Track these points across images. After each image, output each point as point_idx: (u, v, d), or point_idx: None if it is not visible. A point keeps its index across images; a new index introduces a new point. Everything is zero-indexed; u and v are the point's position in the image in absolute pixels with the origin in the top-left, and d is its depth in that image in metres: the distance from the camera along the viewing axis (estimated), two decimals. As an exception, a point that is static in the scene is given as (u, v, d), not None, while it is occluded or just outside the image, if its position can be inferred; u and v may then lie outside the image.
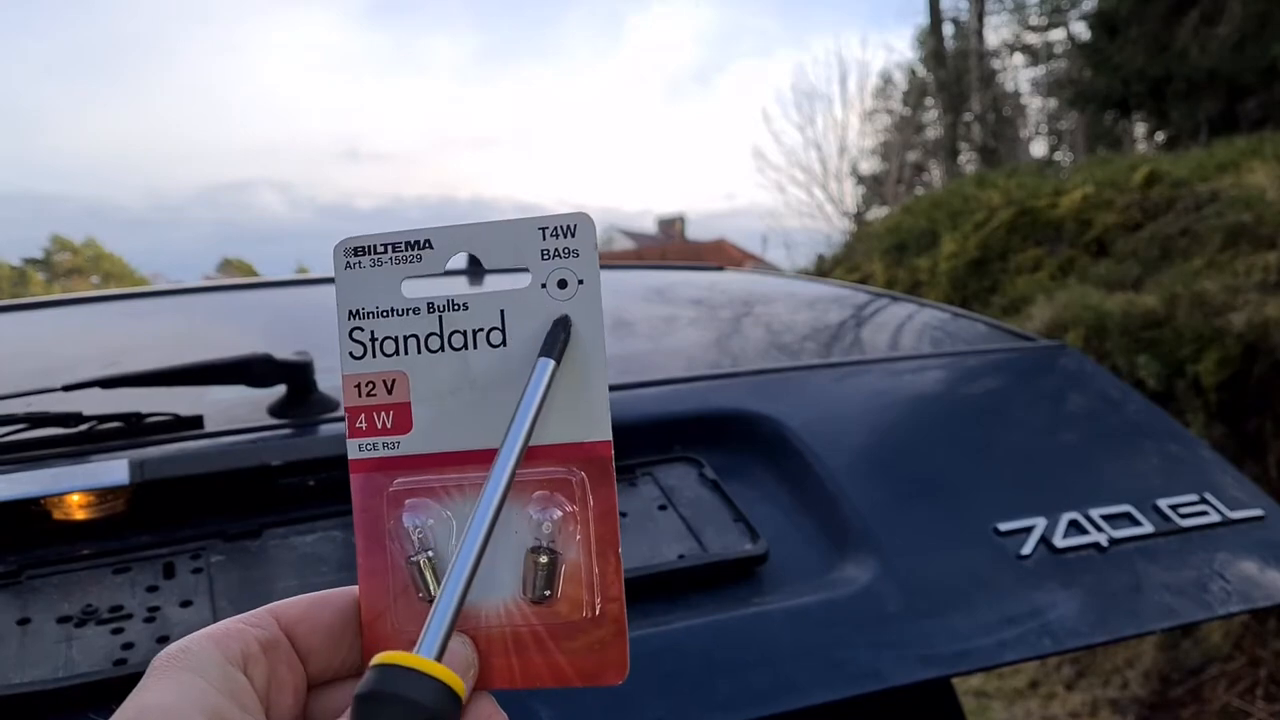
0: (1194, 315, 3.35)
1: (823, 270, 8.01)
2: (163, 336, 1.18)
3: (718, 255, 22.01)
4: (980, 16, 13.30)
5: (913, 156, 16.36)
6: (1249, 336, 3.14)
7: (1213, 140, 6.38)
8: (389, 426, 0.32)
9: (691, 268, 1.70)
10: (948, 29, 15.31)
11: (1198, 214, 4.63)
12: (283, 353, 0.79)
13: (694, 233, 28.11)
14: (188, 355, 0.77)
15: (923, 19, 15.42)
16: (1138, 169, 5.43)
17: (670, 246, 24.18)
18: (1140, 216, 5.04)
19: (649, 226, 29.86)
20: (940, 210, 6.61)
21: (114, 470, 0.65)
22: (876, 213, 15.26)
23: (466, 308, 0.32)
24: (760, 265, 17.34)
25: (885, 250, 6.83)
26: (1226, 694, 2.83)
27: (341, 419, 0.78)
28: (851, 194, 14.95)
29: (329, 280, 1.48)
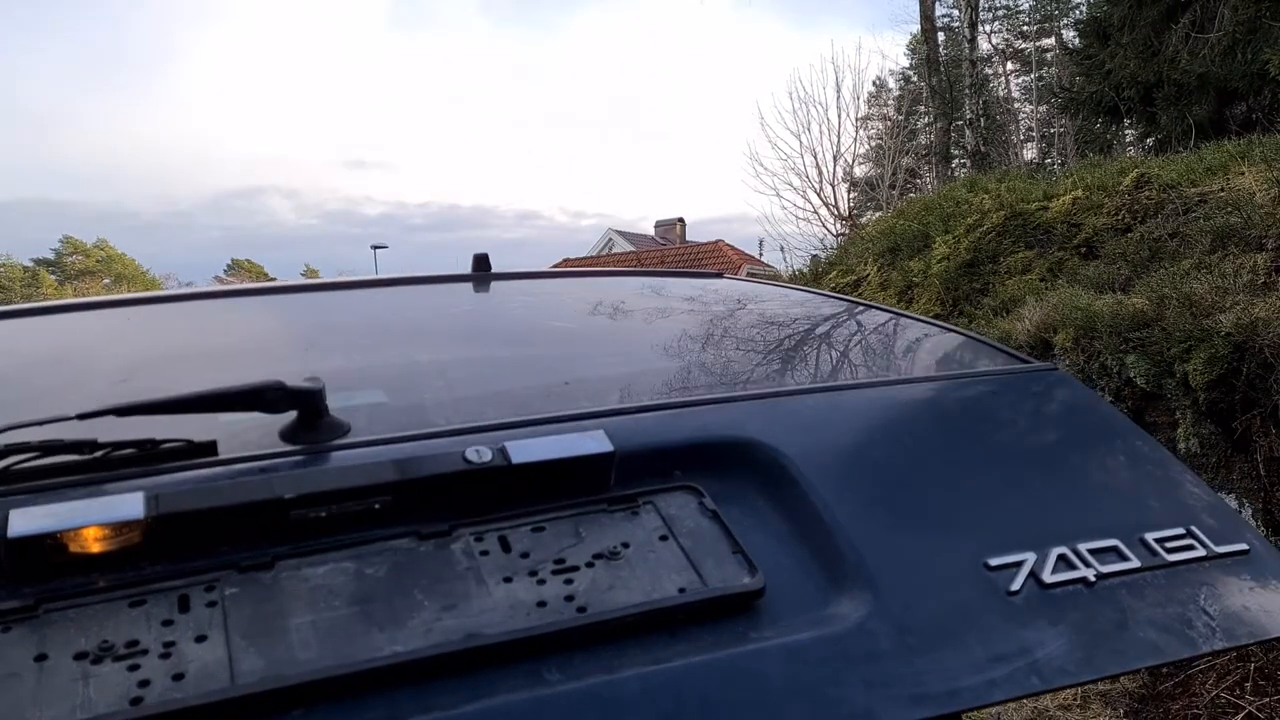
0: (1183, 316, 3.38)
1: (818, 272, 8.05)
2: (191, 345, 1.19)
3: (715, 257, 22.05)
4: (972, 24, 13.39)
5: (906, 161, 16.43)
6: (1237, 336, 3.18)
7: (1202, 144, 6.44)
8: None
9: (690, 274, 1.71)
10: (940, 36, 15.40)
11: (1186, 216, 4.67)
12: (294, 380, 0.80)
13: (692, 235, 28.17)
14: (212, 369, 0.78)
15: (915, 27, 15.51)
16: (1127, 173, 5.48)
17: (669, 249, 24.22)
18: (1130, 219, 5.09)
19: (648, 230, 29.87)
20: (933, 214, 6.65)
21: (129, 504, 0.66)
22: (870, 216, 15.31)
23: None
24: (757, 265, 17.36)
25: (879, 253, 6.87)
26: (1216, 688, 2.87)
27: (353, 445, 0.80)
28: (845, 198, 15.01)
29: (341, 285, 1.51)
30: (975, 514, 0.76)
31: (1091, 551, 0.71)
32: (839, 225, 13.71)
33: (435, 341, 1.24)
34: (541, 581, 0.67)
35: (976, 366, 1.10)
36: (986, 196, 6.20)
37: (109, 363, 1.11)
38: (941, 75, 13.93)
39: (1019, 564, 0.69)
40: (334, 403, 0.83)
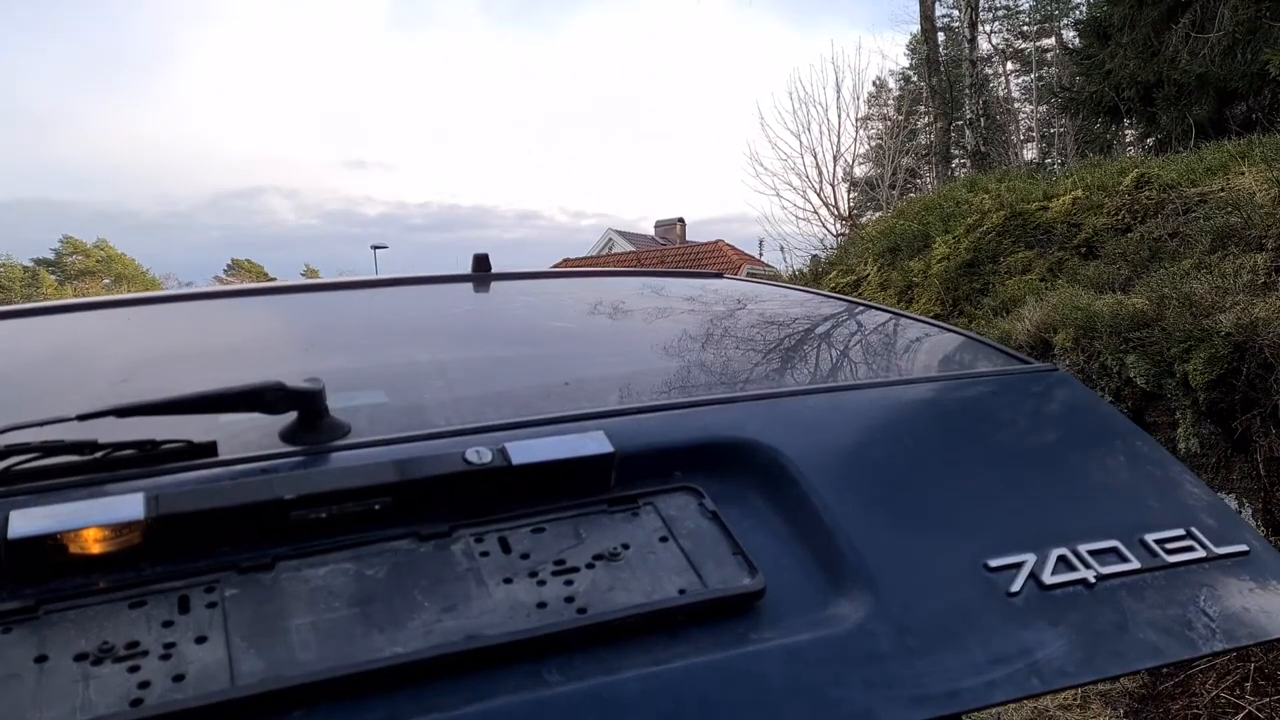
0: (1183, 316, 3.38)
1: (818, 272, 8.06)
2: (191, 345, 1.20)
3: (715, 257, 22.08)
4: (972, 24, 13.42)
5: (906, 161, 16.46)
6: (1237, 336, 3.18)
7: (1202, 144, 6.44)
8: None
9: (690, 274, 1.71)
10: (940, 36, 15.46)
11: (1186, 216, 4.68)
12: (294, 380, 0.80)
13: (692, 235, 28.28)
14: (212, 369, 0.78)
15: (915, 27, 15.57)
16: (1127, 173, 5.48)
17: (669, 249, 24.28)
18: (1129, 219, 5.09)
19: (648, 230, 29.95)
20: (933, 214, 6.65)
21: (130, 505, 0.66)
22: (870, 216, 15.35)
23: None
24: (757, 265, 17.38)
25: (879, 253, 6.88)
26: (1216, 688, 2.87)
27: (353, 446, 0.80)
28: (845, 198, 15.03)
29: (341, 285, 1.51)
30: (975, 515, 0.76)
31: (1091, 553, 0.71)
32: (839, 225, 13.73)
33: (435, 342, 1.24)
34: (542, 582, 0.67)
35: (976, 367, 1.10)
36: (986, 196, 6.20)
37: (109, 363, 1.11)
38: (941, 75, 13.98)
39: (1019, 565, 0.69)
40: (334, 403, 0.83)
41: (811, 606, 0.66)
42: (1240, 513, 3.10)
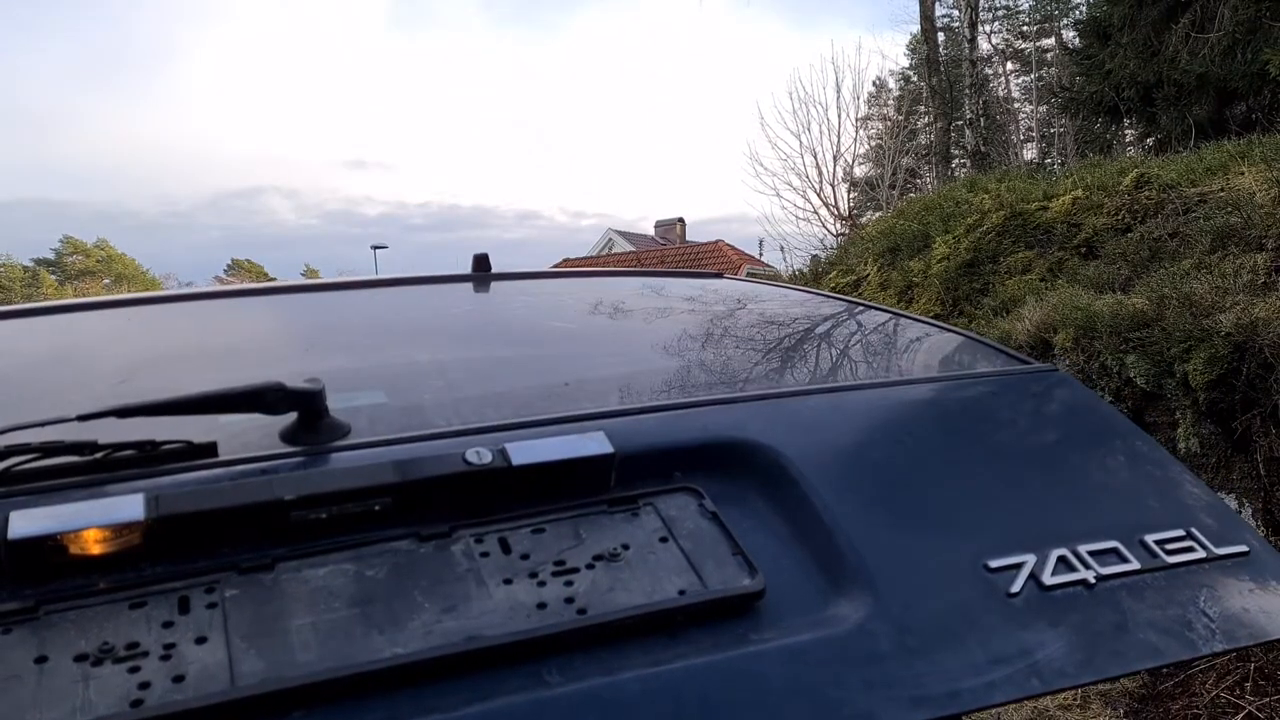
0: (1183, 316, 3.38)
1: (818, 272, 8.07)
2: (191, 345, 1.20)
3: (715, 257, 22.11)
4: (972, 24, 13.43)
5: (906, 161, 16.47)
6: (1237, 336, 3.18)
7: (1202, 144, 6.44)
8: None
9: (690, 274, 1.72)
10: (940, 36, 15.50)
11: (1186, 216, 4.68)
12: (295, 381, 0.80)
13: (692, 235, 28.34)
14: (213, 369, 0.78)
15: (915, 27, 15.61)
16: (1127, 173, 5.49)
17: (669, 249, 24.32)
18: (1130, 219, 5.09)
19: (648, 230, 29.99)
20: (933, 214, 6.66)
21: (130, 505, 0.66)
22: (870, 216, 15.36)
23: None
24: (757, 265, 17.40)
25: (879, 253, 6.88)
26: (1216, 688, 2.87)
27: (353, 447, 0.80)
28: (845, 198, 15.04)
29: (341, 285, 1.51)
30: (975, 515, 0.76)
31: (1091, 553, 0.71)
32: (839, 225, 13.74)
33: (435, 342, 1.24)
34: (542, 583, 0.67)
35: (976, 367, 1.10)
36: (986, 196, 6.20)
37: (109, 363, 1.11)
38: (941, 75, 14.02)
39: (1019, 565, 0.69)
40: (334, 403, 0.83)
41: (811, 607, 0.66)
42: (1240, 513, 3.10)
